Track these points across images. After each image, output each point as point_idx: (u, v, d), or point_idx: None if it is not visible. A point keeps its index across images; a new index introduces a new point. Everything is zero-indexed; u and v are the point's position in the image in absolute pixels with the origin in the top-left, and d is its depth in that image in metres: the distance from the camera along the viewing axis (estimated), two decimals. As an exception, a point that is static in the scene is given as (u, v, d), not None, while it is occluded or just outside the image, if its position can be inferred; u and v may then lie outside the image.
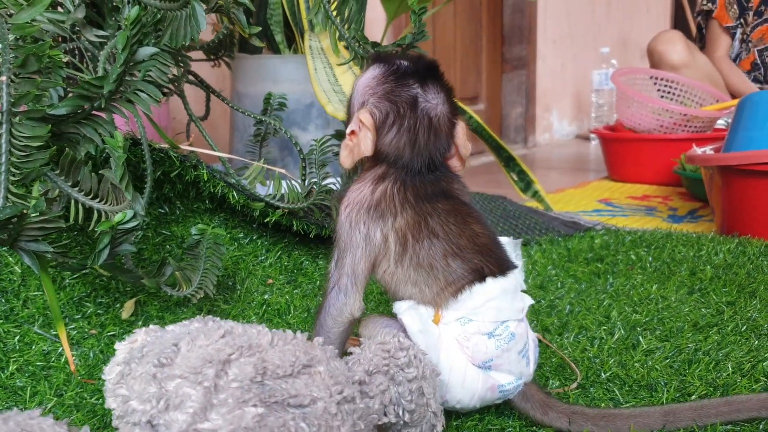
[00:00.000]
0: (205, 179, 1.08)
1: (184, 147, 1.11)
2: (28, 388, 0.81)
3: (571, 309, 1.07)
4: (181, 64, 1.12)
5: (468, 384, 0.68)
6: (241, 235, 1.22)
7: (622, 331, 0.97)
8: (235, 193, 1.09)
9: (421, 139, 0.72)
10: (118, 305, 0.99)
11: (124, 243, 0.83)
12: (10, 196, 0.77)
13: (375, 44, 1.19)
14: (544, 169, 2.98)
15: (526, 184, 1.75)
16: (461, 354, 0.69)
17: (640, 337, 0.95)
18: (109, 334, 0.94)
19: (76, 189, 0.84)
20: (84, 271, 1.00)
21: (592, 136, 3.52)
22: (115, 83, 0.83)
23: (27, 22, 0.84)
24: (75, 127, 0.85)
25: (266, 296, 1.10)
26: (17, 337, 0.89)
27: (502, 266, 0.72)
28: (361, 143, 0.72)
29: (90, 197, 0.85)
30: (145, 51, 0.87)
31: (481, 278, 0.70)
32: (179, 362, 0.49)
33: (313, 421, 0.47)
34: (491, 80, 3.52)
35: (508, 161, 1.73)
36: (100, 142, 0.86)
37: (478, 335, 0.69)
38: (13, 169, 0.79)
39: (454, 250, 0.70)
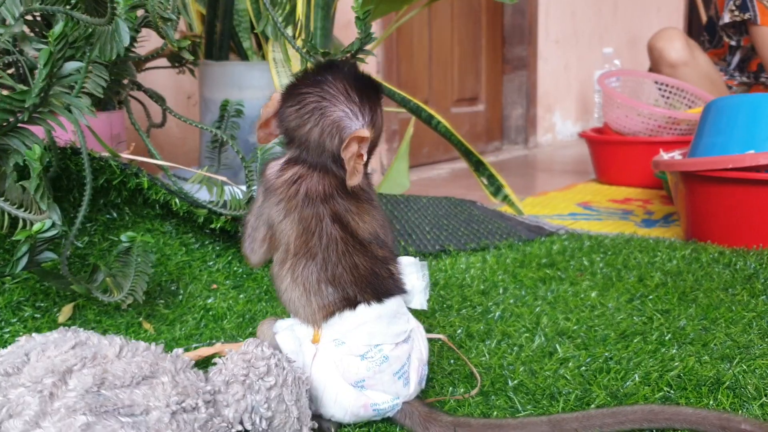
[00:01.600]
0: (146, 186, 1.11)
1: (125, 155, 1.14)
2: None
3: (501, 315, 1.08)
4: (127, 75, 1.15)
5: (340, 401, 0.71)
6: (192, 240, 1.25)
7: (544, 339, 0.98)
8: (177, 200, 1.12)
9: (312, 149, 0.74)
10: (56, 309, 1.03)
11: (45, 251, 0.86)
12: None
13: (326, 53, 1.21)
14: (541, 171, 2.98)
15: (496, 188, 1.76)
16: (335, 372, 0.71)
17: (557, 345, 0.96)
18: (44, 337, 0.98)
19: (2, 198, 0.88)
20: (25, 277, 1.04)
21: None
22: (39, 97, 0.86)
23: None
24: (2, 140, 0.88)
25: (209, 300, 1.13)
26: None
27: (380, 294, 0.74)
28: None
29: (15, 206, 0.88)
30: (71, 65, 0.90)
31: (353, 306, 0.73)
32: (25, 371, 0.52)
33: (143, 429, 0.49)
34: (491, 81, 3.52)
35: (478, 165, 1.74)
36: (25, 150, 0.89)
37: (350, 356, 0.71)
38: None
39: (328, 278, 0.73)
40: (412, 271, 0.80)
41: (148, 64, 1.50)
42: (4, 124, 0.86)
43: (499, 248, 1.46)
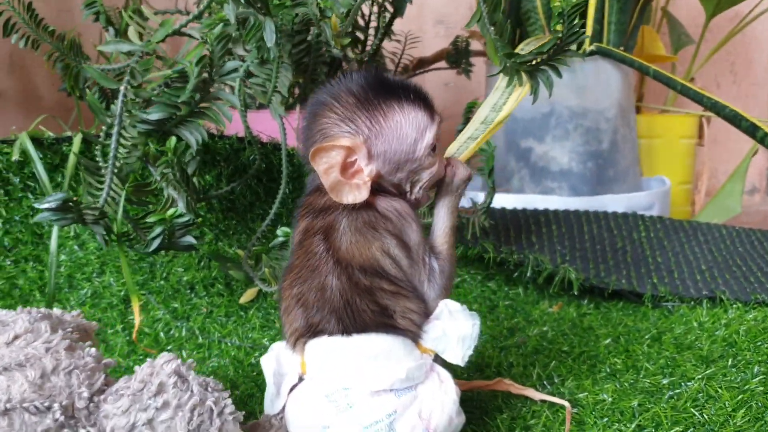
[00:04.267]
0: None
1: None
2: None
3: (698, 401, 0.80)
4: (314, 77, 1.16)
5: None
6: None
7: None
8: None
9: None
10: (242, 291, 1.11)
11: (186, 236, 0.93)
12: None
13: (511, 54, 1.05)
14: None
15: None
16: (305, 411, 0.62)
17: None
18: (219, 315, 1.06)
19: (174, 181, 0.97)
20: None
21: None
22: (193, 94, 0.92)
23: (160, 41, 1.00)
24: (175, 129, 0.98)
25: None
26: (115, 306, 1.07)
27: (348, 327, 0.61)
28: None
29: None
30: (231, 64, 0.95)
31: (315, 334, 0.62)
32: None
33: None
34: None
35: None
36: (194, 143, 0.97)
37: (317, 394, 0.62)
38: (117, 163, 0.95)
39: (294, 295, 0.63)
40: (452, 318, 0.65)
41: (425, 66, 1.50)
42: (172, 117, 0.95)
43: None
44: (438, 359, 0.65)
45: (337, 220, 0.62)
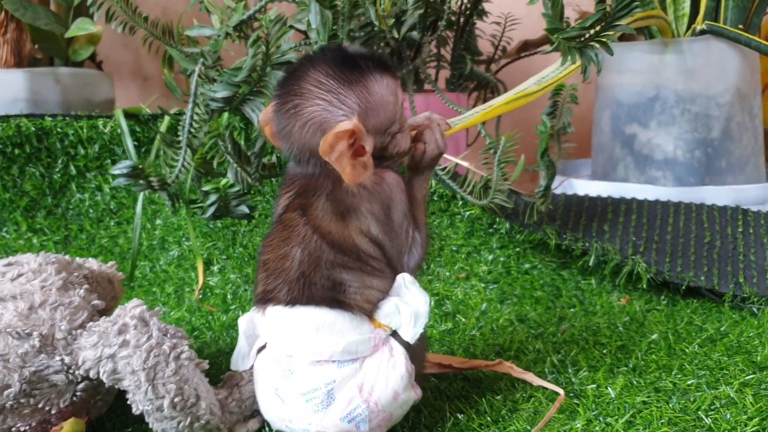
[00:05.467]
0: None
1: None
2: (161, 294, 1.08)
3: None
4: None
5: (262, 406, 0.66)
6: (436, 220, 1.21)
7: None
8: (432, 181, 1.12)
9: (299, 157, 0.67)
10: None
11: (240, 205, 1.00)
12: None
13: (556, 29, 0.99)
14: None
15: None
16: (260, 373, 0.66)
17: None
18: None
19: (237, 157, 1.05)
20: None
21: None
22: (247, 74, 0.99)
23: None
24: (240, 107, 1.05)
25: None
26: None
27: (294, 299, 0.63)
28: None
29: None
30: (285, 46, 1.01)
31: (267, 302, 0.64)
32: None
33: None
34: None
35: None
36: (255, 120, 1.04)
37: (268, 359, 0.66)
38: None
39: (262, 261, 0.66)
40: (407, 292, 0.65)
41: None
42: (235, 96, 1.02)
43: None
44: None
45: (318, 198, 0.64)
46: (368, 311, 0.64)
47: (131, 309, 0.63)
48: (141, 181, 0.98)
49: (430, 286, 1.12)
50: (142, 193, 1.12)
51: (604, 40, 0.89)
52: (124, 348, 0.61)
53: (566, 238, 1.09)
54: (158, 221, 1.24)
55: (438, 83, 1.45)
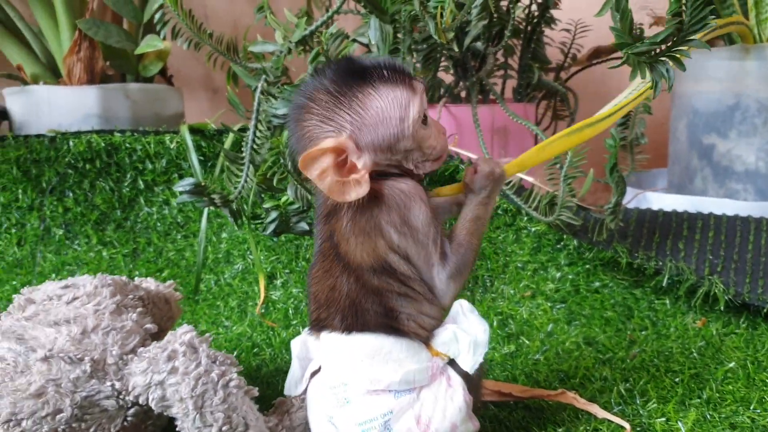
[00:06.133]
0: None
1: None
2: (225, 308, 1.08)
3: None
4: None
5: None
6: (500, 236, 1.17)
7: None
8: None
9: None
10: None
11: (299, 222, 1.00)
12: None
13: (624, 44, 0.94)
14: None
15: None
16: (313, 399, 0.65)
17: None
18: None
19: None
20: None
21: None
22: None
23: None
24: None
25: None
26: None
27: (349, 326, 0.61)
28: None
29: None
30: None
31: (320, 329, 0.63)
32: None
33: (20, 359, 0.60)
34: None
35: None
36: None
37: (323, 386, 0.64)
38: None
39: (310, 293, 0.64)
40: (465, 320, 0.63)
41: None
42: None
43: None
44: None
45: (340, 224, 0.62)
46: (423, 338, 0.63)
47: (181, 335, 0.63)
48: (204, 198, 0.99)
49: (493, 304, 1.08)
50: (206, 208, 1.13)
51: (676, 55, 0.84)
52: (172, 375, 0.60)
53: (638, 256, 1.04)
54: (224, 234, 1.25)
55: (505, 93, 1.41)
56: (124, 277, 0.75)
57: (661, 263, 1.03)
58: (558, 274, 1.13)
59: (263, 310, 1.10)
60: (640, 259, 1.04)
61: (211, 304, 1.14)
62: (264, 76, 1.04)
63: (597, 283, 1.12)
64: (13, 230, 1.25)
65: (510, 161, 0.70)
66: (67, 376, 0.60)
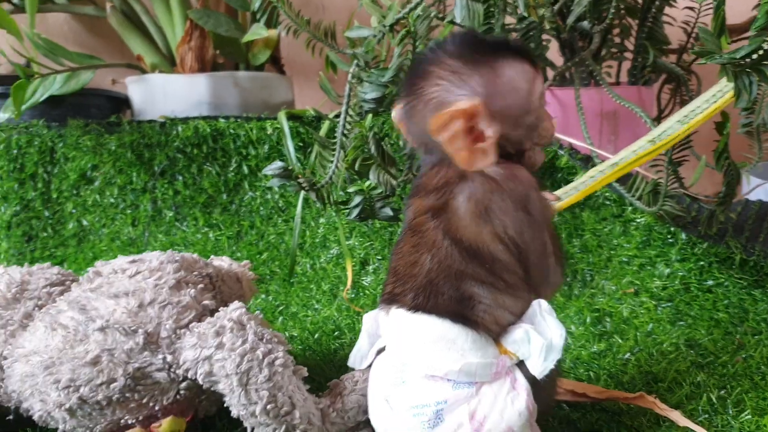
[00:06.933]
0: (562, 164, 1.05)
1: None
2: (317, 291, 1.09)
3: None
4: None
5: (372, 412, 0.63)
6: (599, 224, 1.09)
7: None
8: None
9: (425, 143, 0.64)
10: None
11: (384, 207, 0.98)
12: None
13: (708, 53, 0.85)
14: None
15: None
16: (374, 376, 0.63)
17: None
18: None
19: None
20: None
21: None
22: (394, 74, 0.97)
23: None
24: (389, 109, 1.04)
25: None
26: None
27: (419, 305, 0.58)
28: None
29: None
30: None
31: (391, 305, 0.60)
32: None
33: (81, 328, 0.62)
34: None
35: None
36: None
37: (383, 363, 0.63)
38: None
39: (391, 266, 0.62)
40: (542, 321, 0.58)
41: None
42: (385, 96, 1.01)
43: None
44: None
45: (451, 201, 0.59)
46: (495, 333, 0.59)
47: (231, 312, 0.63)
48: (292, 182, 1.00)
49: (591, 300, 1.02)
50: (302, 192, 1.14)
51: (763, 69, 0.73)
52: (219, 350, 0.61)
53: (754, 252, 0.94)
54: (321, 220, 1.26)
55: (620, 76, 1.32)
56: (195, 255, 0.76)
57: (781, 261, 0.93)
58: (667, 271, 1.04)
59: (352, 295, 1.10)
60: (757, 256, 0.94)
61: (305, 287, 1.16)
62: (356, 61, 1.03)
63: (710, 282, 1.02)
64: (128, 211, 1.32)
65: (561, 203, 0.66)
66: (121, 346, 0.62)
